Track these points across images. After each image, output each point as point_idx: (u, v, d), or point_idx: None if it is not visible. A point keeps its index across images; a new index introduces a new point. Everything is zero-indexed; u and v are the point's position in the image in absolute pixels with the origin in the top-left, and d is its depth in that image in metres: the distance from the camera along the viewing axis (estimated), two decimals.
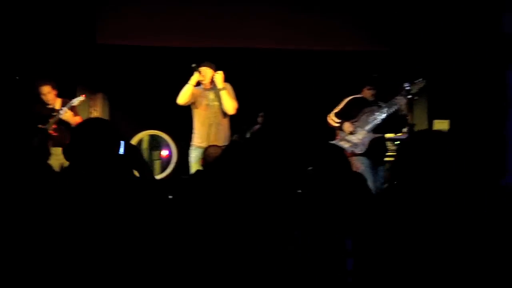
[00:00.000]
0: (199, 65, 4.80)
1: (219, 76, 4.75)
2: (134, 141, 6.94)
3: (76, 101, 5.31)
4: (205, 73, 4.80)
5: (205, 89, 4.87)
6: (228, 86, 4.86)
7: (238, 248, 1.94)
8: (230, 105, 4.75)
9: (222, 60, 5.16)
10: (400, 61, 6.27)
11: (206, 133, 4.73)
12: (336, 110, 5.01)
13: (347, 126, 4.85)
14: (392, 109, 4.77)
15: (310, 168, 2.84)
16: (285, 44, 6.68)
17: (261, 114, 7.35)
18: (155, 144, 7.32)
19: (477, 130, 5.75)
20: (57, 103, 5.28)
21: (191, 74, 4.85)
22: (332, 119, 4.98)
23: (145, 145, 7.31)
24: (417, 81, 4.70)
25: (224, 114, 4.83)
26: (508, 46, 5.75)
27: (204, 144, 4.68)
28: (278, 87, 7.03)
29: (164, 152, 7.21)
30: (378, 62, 6.25)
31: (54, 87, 5.28)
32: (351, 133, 4.83)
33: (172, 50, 6.72)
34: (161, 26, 6.62)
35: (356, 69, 6.53)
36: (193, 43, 6.57)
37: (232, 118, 5.07)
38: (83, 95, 5.44)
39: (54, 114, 5.19)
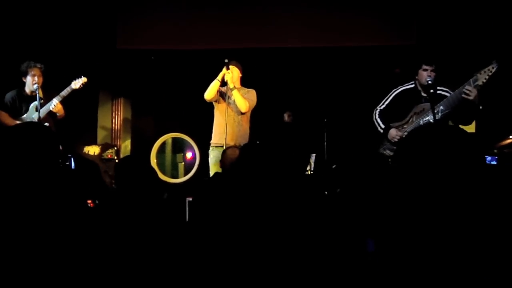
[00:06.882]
0: (229, 62, 4.78)
1: (228, 76, 4.72)
2: (157, 144, 6.96)
3: (70, 89, 4.83)
4: (232, 71, 4.78)
5: (227, 88, 4.83)
6: (251, 91, 4.85)
7: (255, 249, 1.86)
8: (241, 104, 4.70)
9: (246, 60, 5.11)
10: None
11: (225, 132, 4.67)
12: (380, 106, 4.21)
13: (393, 135, 4.03)
14: (452, 106, 3.81)
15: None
16: (308, 42, 6.56)
17: (287, 112, 7.16)
18: (178, 146, 7.31)
19: None
20: (40, 91, 4.75)
21: (219, 71, 4.82)
22: (377, 121, 4.18)
23: (168, 148, 7.32)
24: (487, 68, 3.67)
25: (242, 113, 4.77)
26: None
27: (223, 143, 4.65)
28: (305, 86, 6.89)
29: (189, 154, 7.20)
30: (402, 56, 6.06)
31: (42, 72, 4.79)
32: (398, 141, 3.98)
33: (193, 53, 6.70)
34: (181, 29, 6.61)
35: (380, 64, 6.44)
36: (215, 45, 6.53)
37: (255, 118, 4.99)
38: (84, 79, 4.93)
39: (41, 102, 4.70)
